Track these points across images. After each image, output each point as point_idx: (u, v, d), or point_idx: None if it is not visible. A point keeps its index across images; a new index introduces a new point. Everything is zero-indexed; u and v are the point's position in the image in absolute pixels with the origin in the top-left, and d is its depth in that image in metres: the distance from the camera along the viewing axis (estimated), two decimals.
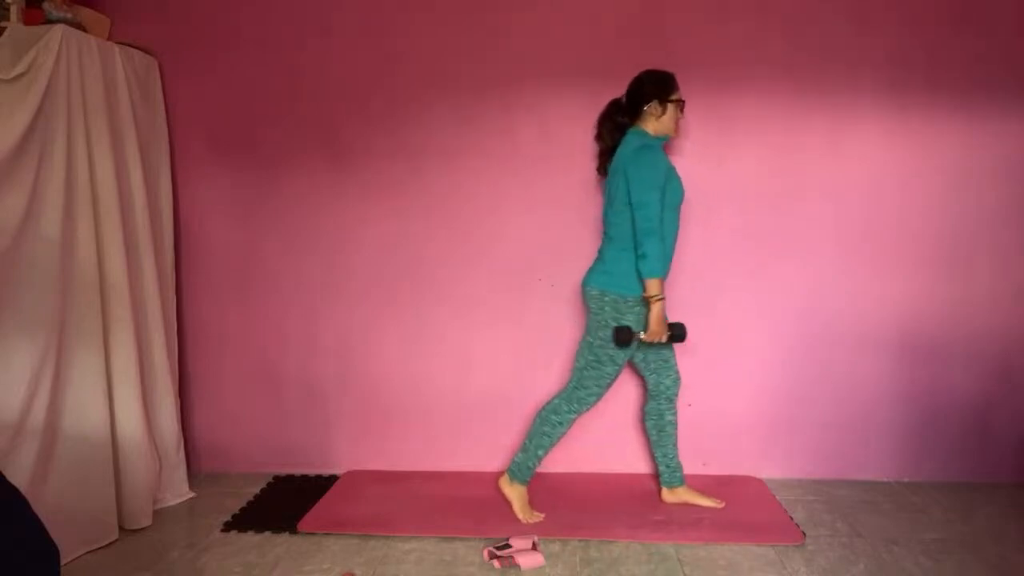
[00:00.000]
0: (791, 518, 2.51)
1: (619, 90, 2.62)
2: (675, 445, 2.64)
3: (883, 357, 2.84)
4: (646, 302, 2.34)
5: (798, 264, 2.82)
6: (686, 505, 2.61)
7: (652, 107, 2.41)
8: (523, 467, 2.53)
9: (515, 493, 2.53)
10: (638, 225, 2.31)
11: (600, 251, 2.52)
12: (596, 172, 2.64)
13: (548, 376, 2.88)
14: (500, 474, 2.64)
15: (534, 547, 2.27)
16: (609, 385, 2.49)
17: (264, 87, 2.87)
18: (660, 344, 2.43)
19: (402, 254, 2.91)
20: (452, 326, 2.93)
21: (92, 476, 2.33)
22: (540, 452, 2.52)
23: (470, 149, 2.84)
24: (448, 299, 2.91)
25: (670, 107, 2.43)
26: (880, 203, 2.78)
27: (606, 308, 2.40)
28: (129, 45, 2.65)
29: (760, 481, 2.86)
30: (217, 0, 2.85)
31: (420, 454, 2.99)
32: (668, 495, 2.64)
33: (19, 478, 1.97)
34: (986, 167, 2.75)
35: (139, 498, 2.48)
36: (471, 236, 2.88)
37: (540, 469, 2.70)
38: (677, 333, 2.40)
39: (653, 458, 2.71)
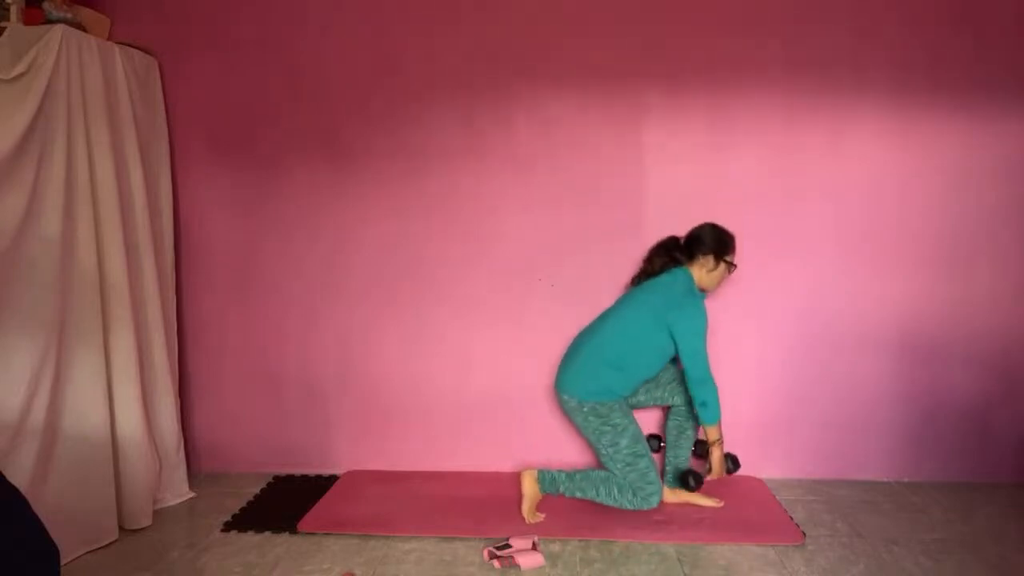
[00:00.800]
0: (791, 518, 2.51)
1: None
2: (690, 449, 2.67)
3: (883, 357, 2.84)
4: (705, 444, 2.50)
5: (798, 264, 2.82)
6: (686, 505, 2.61)
7: (707, 259, 2.49)
8: (555, 485, 2.51)
9: (532, 493, 2.51)
10: (692, 374, 2.40)
11: (576, 351, 2.54)
12: (630, 281, 2.69)
13: (548, 376, 2.87)
14: (524, 469, 2.55)
15: (534, 547, 2.27)
16: (656, 472, 2.47)
17: (264, 87, 2.87)
18: (728, 474, 2.55)
19: (402, 254, 2.91)
20: (452, 326, 2.93)
21: (92, 476, 2.33)
22: (578, 495, 2.50)
23: (470, 149, 2.84)
24: (448, 299, 2.91)
25: (722, 266, 2.51)
26: (880, 203, 2.78)
27: (590, 418, 2.46)
28: (129, 45, 2.65)
29: (760, 481, 2.86)
30: (217, 0, 2.85)
31: (420, 454, 2.99)
32: (669, 495, 2.64)
33: (19, 478, 1.97)
34: (986, 167, 2.75)
35: (139, 498, 2.48)
36: (471, 236, 2.88)
37: (539, 466, 2.70)
38: (732, 466, 2.57)
39: (663, 456, 2.71)
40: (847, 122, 2.75)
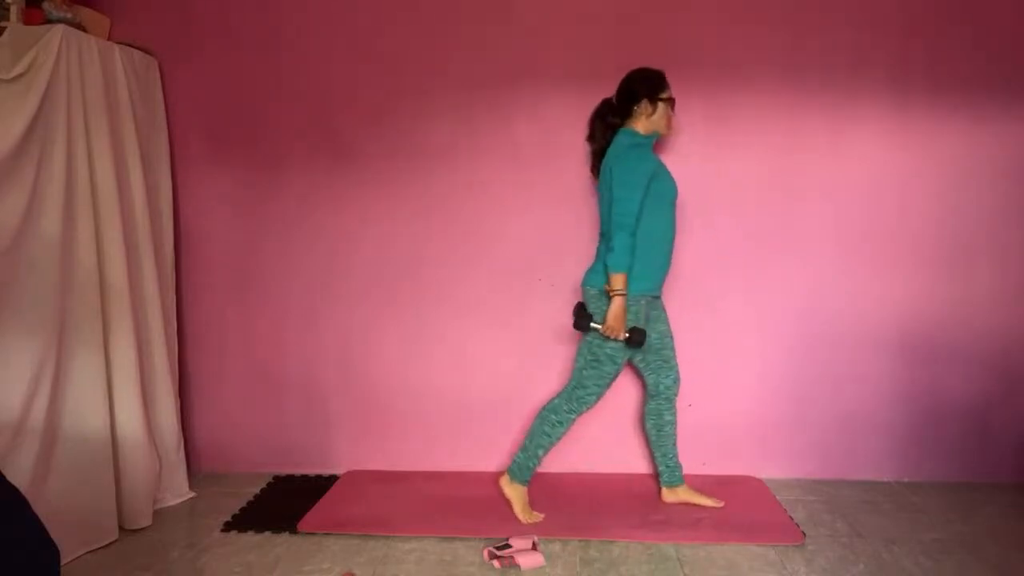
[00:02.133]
0: (791, 518, 2.51)
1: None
2: (675, 445, 2.64)
3: (883, 357, 2.84)
4: (607, 295, 2.33)
5: (798, 264, 2.82)
6: (686, 505, 2.61)
7: (642, 106, 2.42)
8: (523, 467, 2.53)
9: (515, 493, 2.53)
10: (613, 219, 2.31)
11: (598, 251, 2.52)
12: (590, 173, 2.64)
13: (548, 376, 2.88)
14: (500, 474, 2.63)
15: (534, 547, 2.27)
16: (609, 385, 2.49)
17: (264, 87, 2.87)
18: (627, 344, 2.37)
19: (402, 254, 2.91)
20: (452, 326, 2.93)
21: (92, 476, 2.32)
22: (540, 452, 2.52)
23: (470, 149, 2.84)
24: (448, 299, 2.91)
25: (660, 105, 2.43)
26: (880, 203, 2.78)
27: (605, 307, 2.39)
28: (129, 45, 2.65)
29: (760, 481, 2.86)
30: (217, 0, 2.85)
31: (420, 454, 2.99)
32: (668, 495, 2.64)
33: (19, 478, 1.97)
34: (986, 167, 2.75)
35: (139, 498, 2.48)
36: (471, 236, 2.88)
37: (540, 469, 2.70)
38: (636, 338, 2.35)
39: (653, 458, 2.71)
40: (847, 122, 2.75)
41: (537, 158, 2.83)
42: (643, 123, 2.44)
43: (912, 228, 2.79)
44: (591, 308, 2.45)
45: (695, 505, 2.60)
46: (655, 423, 2.63)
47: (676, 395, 2.61)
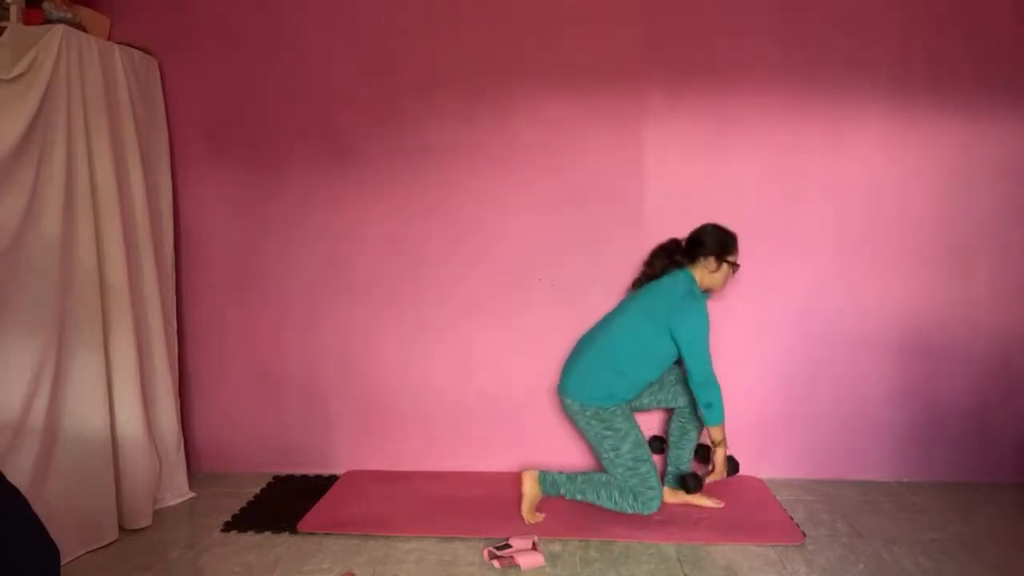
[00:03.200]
0: (791, 518, 2.51)
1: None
2: (692, 451, 2.66)
3: (883, 357, 2.84)
4: (706, 448, 2.52)
5: (798, 264, 2.82)
6: (686, 505, 2.61)
7: (709, 261, 2.47)
8: (556, 487, 2.51)
9: (532, 493, 2.51)
10: (695, 376, 2.38)
11: (580, 354, 2.53)
12: (631, 285, 2.66)
13: (548, 375, 2.87)
14: (525, 469, 2.57)
15: (534, 547, 2.27)
16: (657, 476, 2.46)
17: (264, 87, 2.87)
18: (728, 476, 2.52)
19: (402, 253, 2.91)
20: (452, 326, 2.93)
21: (92, 476, 2.33)
22: (579, 497, 2.50)
23: (470, 149, 2.84)
24: (448, 299, 2.91)
25: (725, 267, 2.49)
26: (880, 203, 2.78)
27: (592, 422, 2.45)
28: (129, 45, 2.65)
29: (760, 481, 2.86)
30: (217, 1, 2.85)
31: (420, 454, 2.99)
32: (669, 495, 2.64)
33: (19, 478, 1.97)
34: (986, 167, 2.75)
35: (139, 498, 2.48)
36: (471, 236, 2.88)
37: (540, 469, 2.70)
38: (733, 469, 2.54)
39: (665, 455, 2.71)
40: (847, 122, 2.75)
41: (537, 158, 2.82)
42: (701, 274, 2.49)
43: (912, 228, 2.79)
44: (579, 423, 2.49)
45: (695, 505, 2.60)
46: (681, 426, 2.64)
47: (696, 410, 2.62)
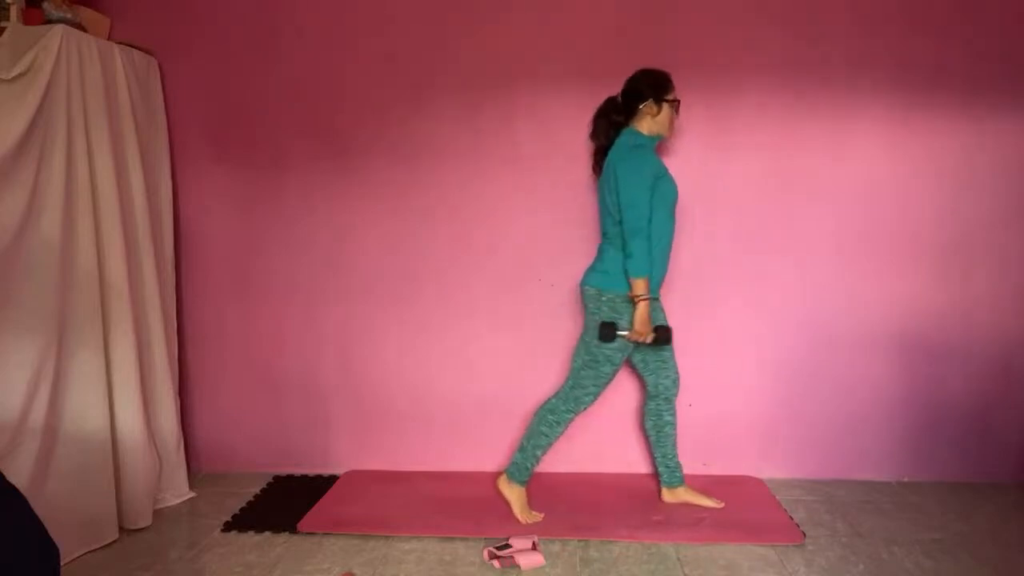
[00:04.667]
0: (791, 518, 2.51)
1: (618, 90, 2.62)
2: (674, 445, 2.64)
3: (883, 357, 2.84)
4: (632, 301, 2.34)
5: (798, 264, 2.81)
6: (686, 505, 2.61)
7: (647, 106, 2.41)
8: (521, 467, 2.53)
9: (514, 494, 2.53)
10: (625, 225, 2.31)
11: (598, 250, 2.52)
12: (591, 171, 2.63)
13: (548, 375, 2.87)
14: (499, 474, 2.63)
15: (534, 547, 2.27)
16: (606, 384, 2.49)
17: (264, 87, 2.87)
18: (653, 345, 2.42)
19: (402, 254, 2.91)
20: (452, 325, 2.93)
21: (92, 476, 2.33)
22: (538, 452, 2.52)
23: (470, 149, 2.84)
24: (448, 299, 2.91)
25: (665, 107, 2.43)
26: (880, 203, 2.78)
27: (603, 307, 2.40)
28: (129, 45, 2.65)
29: (760, 481, 2.86)
30: (217, 1, 2.85)
31: (420, 454, 2.99)
32: (668, 495, 2.64)
33: (19, 478, 1.97)
34: (986, 167, 2.75)
35: (139, 498, 2.48)
36: (471, 236, 2.88)
37: (539, 469, 2.70)
38: (662, 336, 2.39)
39: (652, 459, 2.71)
40: (847, 122, 2.75)
41: (537, 157, 2.83)
42: (647, 124, 2.44)
43: (912, 228, 2.79)
44: (590, 307, 2.45)
45: (695, 505, 2.60)
46: (655, 423, 2.63)
47: (675, 396, 2.61)
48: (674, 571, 2.16)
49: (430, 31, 2.81)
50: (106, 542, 2.35)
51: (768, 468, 2.91)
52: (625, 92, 2.48)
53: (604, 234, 2.49)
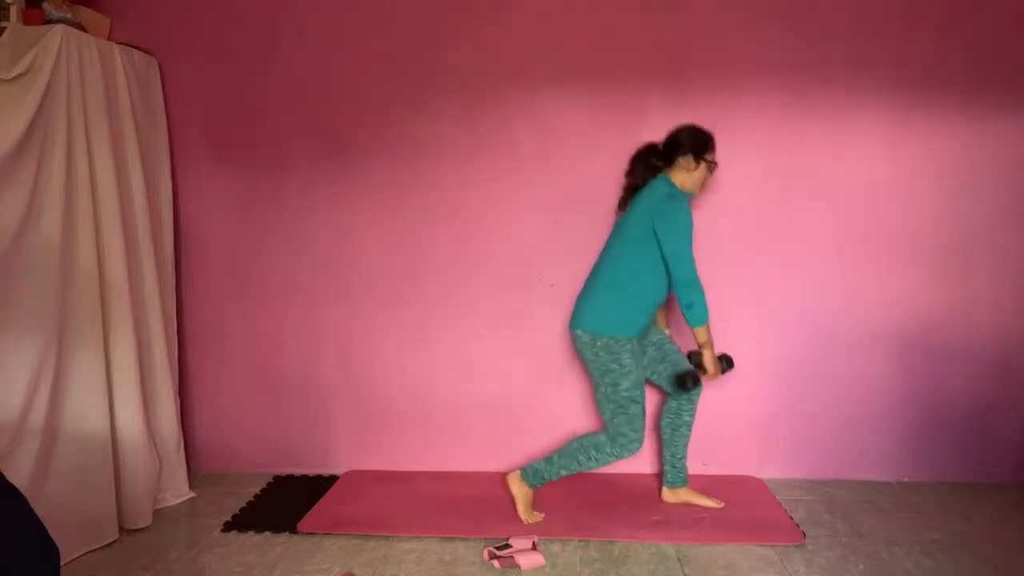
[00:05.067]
0: (791, 518, 2.51)
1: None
2: (686, 447, 2.65)
3: (883, 357, 2.84)
4: (699, 349, 2.43)
5: (798, 264, 2.81)
6: (686, 505, 2.61)
7: (687, 160, 2.43)
8: (540, 475, 2.50)
9: (522, 493, 2.51)
10: (677, 276, 2.33)
11: (587, 288, 2.50)
12: (618, 204, 2.61)
13: (548, 375, 2.88)
14: (508, 471, 2.58)
15: (534, 547, 2.27)
16: (643, 421, 2.44)
17: (264, 87, 2.87)
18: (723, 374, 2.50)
19: (402, 254, 2.91)
20: (452, 325, 2.93)
21: (92, 476, 2.33)
22: (563, 472, 2.49)
23: (470, 149, 2.84)
24: (448, 299, 2.91)
25: (703, 165, 2.45)
26: (880, 203, 2.78)
27: (600, 353, 2.40)
28: (129, 45, 2.65)
29: (760, 481, 2.86)
30: (217, 0, 2.85)
31: (420, 454, 2.99)
32: (669, 495, 2.64)
33: (19, 478, 1.97)
34: (986, 167, 2.75)
35: (139, 498, 2.48)
36: (471, 235, 2.88)
37: (521, 467, 2.70)
38: (727, 366, 2.51)
39: (660, 456, 2.71)
40: (847, 122, 2.75)
41: (537, 158, 2.83)
42: (680, 176, 2.45)
43: (912, 228, 2.79)
44: (586, 355, 2.44)
45: (695, 505, 2.60)
46: (672, 422, 2.62)
47: (697, 396, 2.60)
48: (674, 571, 2.16)
49: (430, 31, 2.81)
50: (106, 542, 2.35)
51: (768, 468, 2.91)
52: (668, 141, 2.50)
53: (598, 271, 2.49)
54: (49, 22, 2.33)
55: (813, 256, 2.81)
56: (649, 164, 2.50)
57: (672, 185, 2.44)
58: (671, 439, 2.63)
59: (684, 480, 2.65)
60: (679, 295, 2.34)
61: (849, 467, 2.90)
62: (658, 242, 2.34)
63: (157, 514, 2.59)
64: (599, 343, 2.39)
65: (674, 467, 2.64)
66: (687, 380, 2.45)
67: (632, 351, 2.40)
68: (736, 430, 2.90)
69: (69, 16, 2.39)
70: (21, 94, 2.16)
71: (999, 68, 2.71)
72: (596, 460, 2.45)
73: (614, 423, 2.42)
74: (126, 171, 2.54)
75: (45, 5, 2.35)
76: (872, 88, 2.73)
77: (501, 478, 2.72)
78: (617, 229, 2.51)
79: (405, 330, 2.94)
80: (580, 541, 2.36)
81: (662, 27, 2.74)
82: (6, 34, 2.25)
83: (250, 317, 2.97)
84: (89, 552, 2.29)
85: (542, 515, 2.51)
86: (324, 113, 2.86)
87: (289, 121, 2.87)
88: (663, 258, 2.35)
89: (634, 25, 2.75)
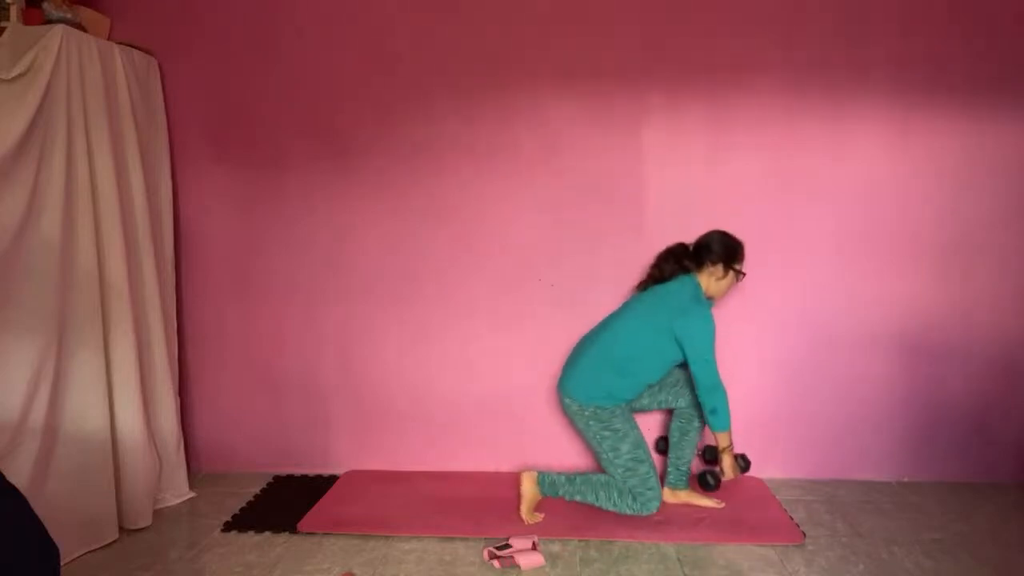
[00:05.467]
0: (791, 518, 2.51)
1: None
2: (693, 451, 2.65)
3: (883, 357, 2.84)
4: (714, 450, 2.51)
5: (798, 264, 2.81)
6: (686, 505, 2.61)
7: (716, 268, 2.47)
8: (555, 488, 2.50)
9: (532, 494, 2.51)
10: (701, 381, 2.37)
11: (580, 354, 2.53)
12: (636, 287, 2.65)
13: (548, 375, 2.87)
14: (524, 470, 2.56)
15: (534, 547, 2.27)
16: (657, 479, 2.45)
17: (264, 87, 2.87)
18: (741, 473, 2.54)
19: (402, 254, 2.91)
20: (452, 326, 2.93)
21: (92, 476, 2.33)
22: (578, 498, 2.49)
23: (470, 149, 2.84)
24: (448, 299, 2.91)
25: (731, 274, 2.49)
26: (880, 203, 2.78)
27: (591, 422, 2.45)
28: (129, 45, 2.65)
29: (760, 481, 2.86)
30: (217, 0, 2.85)
31: (420, 454, 2.99)
32: (669, 496, 2.64)
33: (19, 478, 1.97)
34: (986, 167, 2.75)
35: (139, 498, 2.48)
36: (471, 236, 2.88)
37: (540, 468, 2.71)
38: (744, 466, 2.60)
39: (665, 457, 2.70)
40: (847, 122, 2.75)
41: (538, 159, 2.82)
42: (707, 280, 2.49)
43: (912, 228, 2.78)
44: (577, 422, 2.50)
45: (695, 505, 2.60)
46: (682, 426, 2.63)
47: (698, 411, 2.60)
48: (674, 571, 2.16)
49: (430, 31, 2.81)
50: (106, 542, 2.35)
51: (768, 468, 2.91)
52: (699, 245, 2.54)
53: (594, 341, 2.52)
54: (49, 22, 2.33)
55: (813, 256, 2.81)
56: (679, 263, 2.54)
57: (699, 288, 2.48)
58: (679, 443, 2.64)
59: (686, 483, 2.65)
60: (703, 400, 2.39)
61: (849, 467, 2.90)
62: (680, 344, 2.39)
63: (157, 514, 2.59)
64: (587, 411, 2.44)
65: (678, 469, 2.64)
66: (708, 479, 2.63)
67: (623, 415, 2.45)
68: (736, 430, 2.88)
69: (69, 16, 2.39)
70: (21, 94, 2.17)
71: (999, 68, 2.71)
72: (615, 505, 2.45)
73: (628, 484, 2.44)
74: (126, 171, 2.54)
75: (45, 5, 2.36)
76: (872, 88, 2.73)
77: (507, 477, 2.72)
78: (629, 307, 2.55)
79: (405, 330, 2.94)
80: (580, 541, 2.36)
81: (662, 27, 2.74)
82: (6, 34, 2.25)
83: (250, 317, 2.97)
84: (89, 552, 2.29)
85: (542, 515, 2.51)
86: (324, 113, 2.86)
87: (289, 121, 2.88)
88: (686, 360, 2.39)
89: (634, 25, 2.75)
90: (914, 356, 2.84)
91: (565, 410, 2.55)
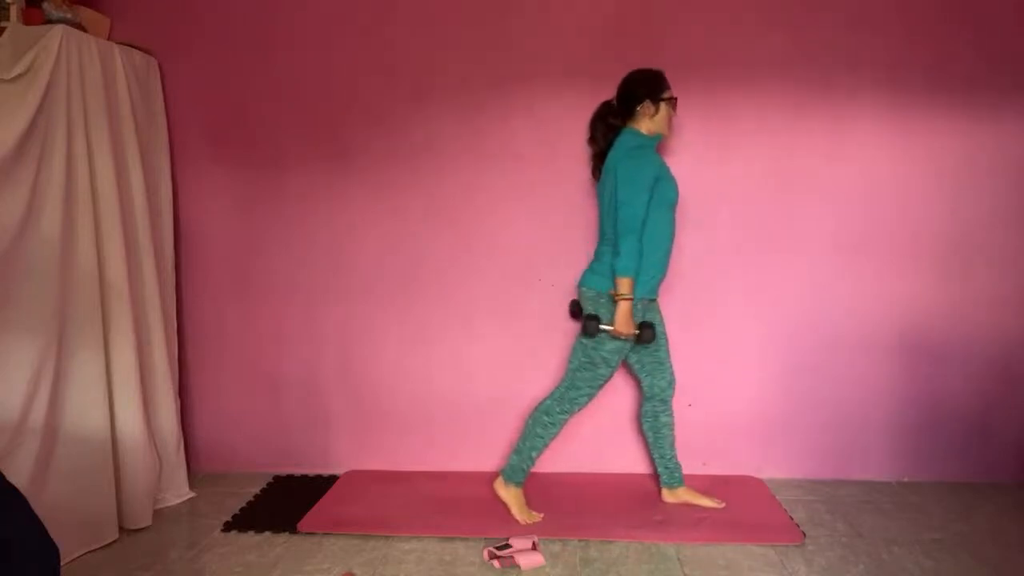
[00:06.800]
0: (791, 518, 2.51)
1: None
2: (672, 446, 2.64)
3: (883, 357, 2.84)
4: (611, 297, 2.34)
5: (798, 264, 2.81)
6: (686, 505, 2.61)
7: (645, 107, 2.40)
8: (517, 469, 2.53)
9: (511, 495, 2.53)
10: (619, 224, 2.30)
11: (596, 251, 2.52)
12: (591, 176, 2.63)
13: (547, 376, 2.87)
14: (495, 476, 2.62)
15: (534, 547, 2.27)
16: (601, 386, 2.49)
17: (264, 87, 2.87)
18: (638, 343, 2.40)
19: (402, 254, 2.91)
20: (452, 325, 2.93)
21: (92, 476, 2.32)
22: (534, 453, 2.52)
23: (470, 150, 2.84)
24: (448, 299, 2.91)
25: (663, 105, 2.42)
26: (880, 203, 2.78)
27: (601, 309, 2.39)
28: (129, 45, 2.65)
29: (760, 481, 2.86)
30: (217, 0, 2.85)
31: (420, 454, 2.99)
32: (668, 496, 2.64)
33: (19, 478, 1.96)
34: (986, 167, 2.75)
35: (139, 498, 2.48)
36: (471, 236, 2.88)
37: (539, 469, 2.71)
38: (644, 334, 2.37)
39: (651, 460, 2.71)
40: (847, 122, 2.75)
41: (537, 158, 2.82)
42: (646, 124, 2.43)
43: (912, 228, 2.78)
44: (588, 309, 2.44)
45: (695, 505, 2.60)
46: (651, 425, 2.63)
47: (671, 397, 2.60)
48: (674, 571, 2.16)
49: (430, 31, 2.81)
50: (106, 542, 2.35)
51: (768, 468, 2.91)
52: (620, 95, 2.47)
53: (602, 235, 2.49)
54: (49, 22, 2.33)
55: (813, 256, 2.81)
56: (608, 125, 2.48)
57: (638, 134, 2.41)
58: (656, 441, 2.64)
59: (680, 480, 2.65)
60: (616, 241, 2.31)
61: (849, 467, 2.90)
62: (614, 189, 2.31)
63: (157, 514, 2.59)
64: (602, 300, 2.39)
65: (667, 468, 2.64)
66: (591, 323, 2.35)
67: (638, 316, 2.38)
68: (736, 430, 2.90)
69: (69, 16, 2.39)
70: (21, 94, 2.16)
71: (999, 68, 2.71)
72: (551, 424, 2.49)
73: (576, 376, 2.44)
74: (126, 171, 2.54)
75: (45, 5, 2.36)
76: (872, 88, 2.73)
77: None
78: (600, 197, 2.48)
79: (405, 330, 2.94)
80: (580, 541, 2.36)
81: (662, 27, 2.74)
82: (6, 34, 2.25)
83: (250, 317, 2.97)
84: (89, 552, 2.29)
85: (541, 515, 2.51)
86: (324, 113, 2.86)
87: (289, 121, 2.88)
88: (615, 204, 2.30)
89: (633, 25, 2.75)
90: (914, 356, 2.84)
91: (582, 300, 2.47)
